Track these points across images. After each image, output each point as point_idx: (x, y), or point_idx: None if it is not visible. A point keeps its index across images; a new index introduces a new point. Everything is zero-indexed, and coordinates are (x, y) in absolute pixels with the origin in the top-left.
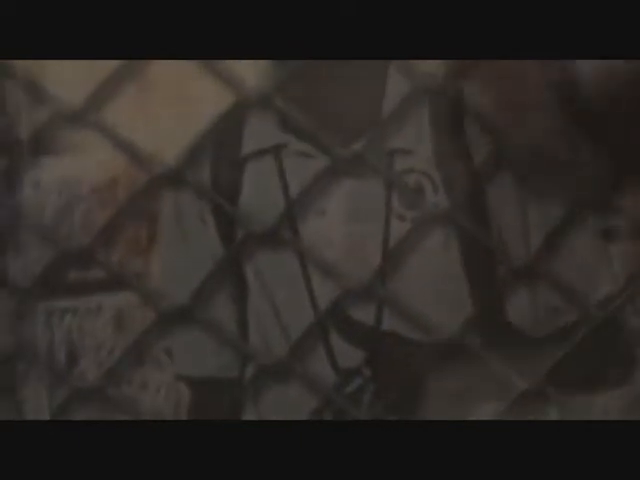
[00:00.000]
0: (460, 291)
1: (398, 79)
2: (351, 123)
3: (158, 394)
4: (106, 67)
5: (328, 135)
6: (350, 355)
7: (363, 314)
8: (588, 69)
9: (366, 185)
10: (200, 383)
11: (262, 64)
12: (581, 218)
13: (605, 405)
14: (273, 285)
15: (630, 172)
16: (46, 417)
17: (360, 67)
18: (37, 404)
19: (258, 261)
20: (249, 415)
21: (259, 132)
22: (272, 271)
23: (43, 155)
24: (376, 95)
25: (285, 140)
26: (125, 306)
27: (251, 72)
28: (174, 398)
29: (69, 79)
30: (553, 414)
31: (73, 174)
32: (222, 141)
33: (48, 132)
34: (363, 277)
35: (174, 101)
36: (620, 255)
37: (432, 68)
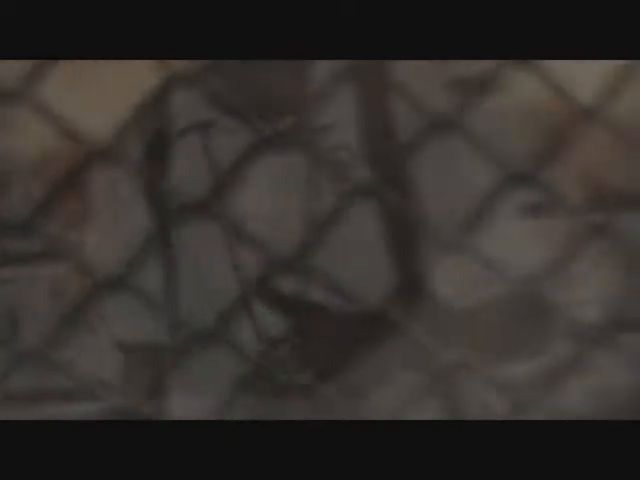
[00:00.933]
0: (383, 263)
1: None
2: (278, 101)
3: (94, 359)
4: None
5: (255, 112)
6: (275, 324)
7: (288, 285)
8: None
9: (291, 160)
10: (133, 348)
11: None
12: (507, 192)
13: (526, 374)
14: (200, 256)
15: (557, 146)
16: None
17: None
18: None
19: (187, 233)
20: (177, 379)
21: (188, 109)
22: (199, 243)
23: None
24: (303, 74)
25: (213, 117)
26: (62, 275)
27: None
28: (109, 362)
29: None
30: (474, 384)
31: (6, 150)
32: (153, 117)
33: None
34: (288, 249)
35: (106, 77)
36: (544, 230)
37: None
